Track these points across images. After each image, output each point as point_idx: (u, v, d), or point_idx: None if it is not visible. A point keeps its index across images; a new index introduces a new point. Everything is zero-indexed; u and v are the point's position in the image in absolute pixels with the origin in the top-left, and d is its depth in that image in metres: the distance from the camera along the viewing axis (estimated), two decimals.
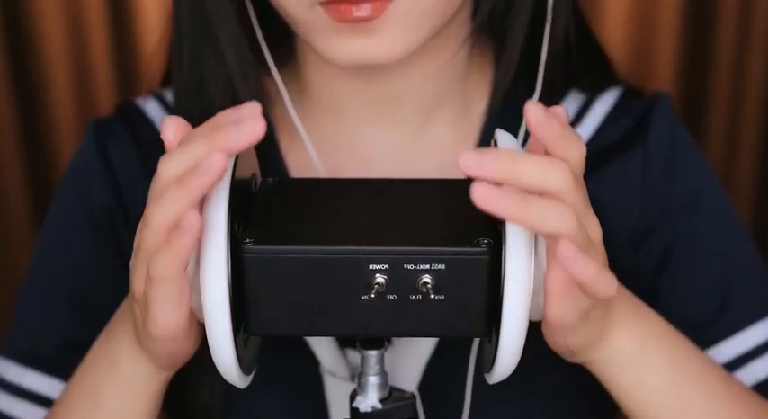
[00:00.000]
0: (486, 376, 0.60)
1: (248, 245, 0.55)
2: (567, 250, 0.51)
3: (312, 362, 0.73)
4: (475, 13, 0.74)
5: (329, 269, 0.55)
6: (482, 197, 0.50)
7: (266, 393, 0.71)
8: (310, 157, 0.75)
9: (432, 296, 0.55)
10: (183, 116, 0.72)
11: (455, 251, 0.55)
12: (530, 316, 0.55)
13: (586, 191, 0.56)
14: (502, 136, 0.59)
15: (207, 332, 0.55)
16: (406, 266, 0.54)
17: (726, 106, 1.46)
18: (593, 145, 0.77)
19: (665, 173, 0.77)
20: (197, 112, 0.73)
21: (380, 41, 0.65)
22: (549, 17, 0.73)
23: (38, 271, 0.79)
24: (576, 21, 0.77)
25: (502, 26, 0.74)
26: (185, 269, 0.54)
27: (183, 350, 0.60)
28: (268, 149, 0.76)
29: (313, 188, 0.65)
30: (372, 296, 0.55)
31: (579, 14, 0.78)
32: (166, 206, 0.53)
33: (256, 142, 0.52)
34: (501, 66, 0.75)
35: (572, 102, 0.79)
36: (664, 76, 1.45)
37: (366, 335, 0.61)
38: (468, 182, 0.66)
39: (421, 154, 0.76)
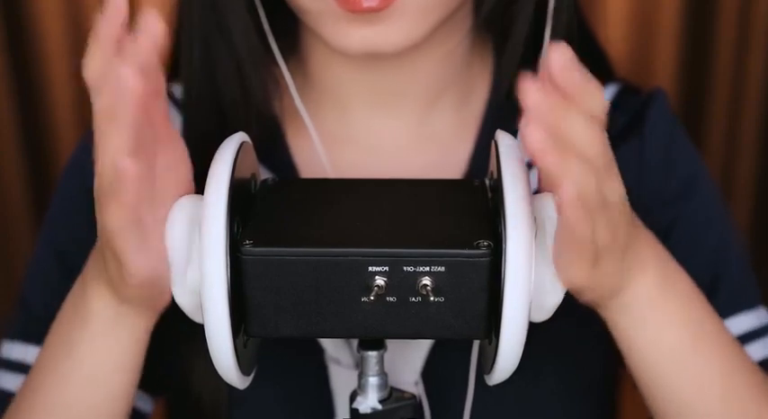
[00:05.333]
0: (486, 377, 0.60)
1: (247, 246, 0.55)
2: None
3: (316, 351, 0.73)
4: (478, 3, 0.74)
5: (329, 271, 0.55)
6: (536, 142, 0.49)
7: (271, 382, 0.72)
8: (315, 147, 0.76)
9: (431, 298, 0.55)
10: (192, 105, 0.73)
11: (455, 253, 0.55)
12: (530, 317, 0.55)
13: (610, 148, 0.55)
14: (503, 137, 0.59)
15: (206, 334, 0.55)
16: (405, 268, 0.54)
17: (726, 106, 1.46)
18: None
19: (661, 164, 0.77)
20: (207, 102, 0.73)
21: (388, 31, 0.66)
22: (551, 6, 0.73)
23: (41, 256, 0.80)
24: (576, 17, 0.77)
25: (504, 16, 0.74)
26: (137, 213, 0.54)
27: (161, 294, 0.60)
28: (273, 139, 0.76)
29: (313, 189, 0.65)
30: (372, 298, 0.55)
31: (578, 11, 0.79)
32: (105, 145, 0.52)
33: (158, 42, 0.52)
34: (505, 56, 0.76)
35: None
36: (664, 76, 1.45)
37: (366, 337, 0.61)
38: (468, 182, 0.66)
39: (423, 142, 0.77)
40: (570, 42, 0.76)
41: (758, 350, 0.78)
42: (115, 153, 0.52)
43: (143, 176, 0.54)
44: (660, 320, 0.63)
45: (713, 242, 0.79)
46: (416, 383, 0.73)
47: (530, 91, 0.49)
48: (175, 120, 0.79)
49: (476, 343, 0.72)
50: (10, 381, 0.78)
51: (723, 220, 0.80)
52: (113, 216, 0.54)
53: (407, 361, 0.73)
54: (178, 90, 0.81)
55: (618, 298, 0.61)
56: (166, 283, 0.59)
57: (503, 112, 0.77)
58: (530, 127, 0.49)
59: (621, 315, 0.63)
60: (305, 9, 0.68)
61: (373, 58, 0.72)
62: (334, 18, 0.66)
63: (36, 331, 0.77)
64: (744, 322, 0.78)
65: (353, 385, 0.64)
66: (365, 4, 0.64)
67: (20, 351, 0.78)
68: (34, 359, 0.76)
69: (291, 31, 0.78)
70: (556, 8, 0.73)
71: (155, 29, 0.52)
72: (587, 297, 0.60)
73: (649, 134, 0.77)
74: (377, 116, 0.77)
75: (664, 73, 1.45)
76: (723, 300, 0.77)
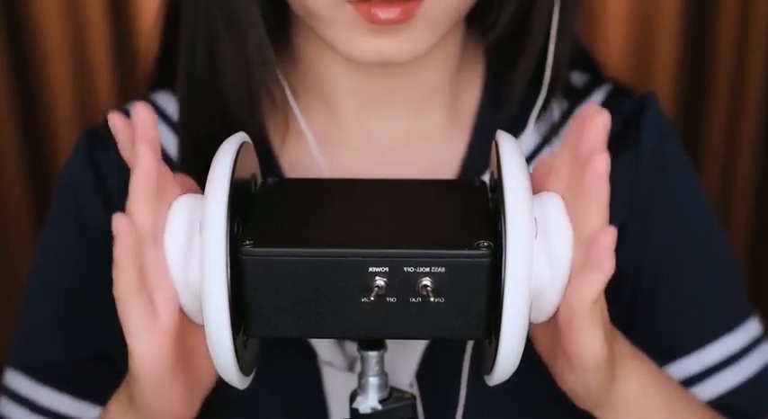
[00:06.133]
0: (486, 378, 0.60)
1: (247, 246, 0.55)
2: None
3: (309, 354, 0.73)
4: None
5: (329, 271, 0.55)
6: (609, 247, 0.54)
7: (264, 385, 0.72)
8: (305, 148, 0.75)
9: (431, 298, 0.55)
10: (193, 107, 0.73)
11: (455, 254, 0.54)
12: (530, 317, 0.55)
13: None
14: (503, 137, 0.59)
15: (206, 334, 0.55)
16: (405, 269, 0.54)
17: (726, 106, 1.46)
18: None
19: (654, 178, 0.77)
20: (209, 104, 0.73)
21: (403, 41, 0.66)
22: (555, 23, 0.73)
23: (35, 288, 0.80)
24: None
25: (497, 21, 0.75)
26: (142, 290, 0.56)
27: (172, 405, 0.60)
28: (264, 140, 0.76)
29: (313, 189, 0.65)
30: (372, 298, 0.55)
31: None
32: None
33: (150, 124, 0.58)
34: (518, 69, 0.76)
35: (560, 101, 0.79)
36: (664, 76, 1.45)
37: (366, 338, 0.61)
38: (468, 182, 0.66)
39: (415, 143, 0.77)
40: (574, 48, 0.77)
41: (745, 368, 0.79)
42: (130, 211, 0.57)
43: (140, 245, 0.56)
44: (642, 415, 0.67)
45: (704, 260, 0.79)
46: (411, 384, 0.73)
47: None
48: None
49: (469, 345, 0.72)
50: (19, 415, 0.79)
51: (715, 236, 0.81)
52: (115, 284, 0.56)
53: (402, 361, 0.73)
54: (164, 99, 0.80)
55: (608, 396, 0.64)
56: (174, 395, 0.60)
57: (495, 113, 0.77)
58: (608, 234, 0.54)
59: (611, 414, 0.65)
60: (317, 14, 0.67)
61: (381, 66, 0.72)
62: (349, 26, 0.66)
63: (38, 366, 0.78)
64: (735, 341, 0.79)
65: (347, 387, 0.64)
66: (383, 16, 0.64)
67: (27, 387, 0.79)
68: (43, 400, 0.78)
69: (281, 30, 0.77)
70: (560, 21, 0.74)
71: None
72: (593, 381, 0.61)
73: (645, 141, 0.77)
74: (369, 117, 0.77)
75: (664, 73, 1.46)
76: (714, 321, 0.79)
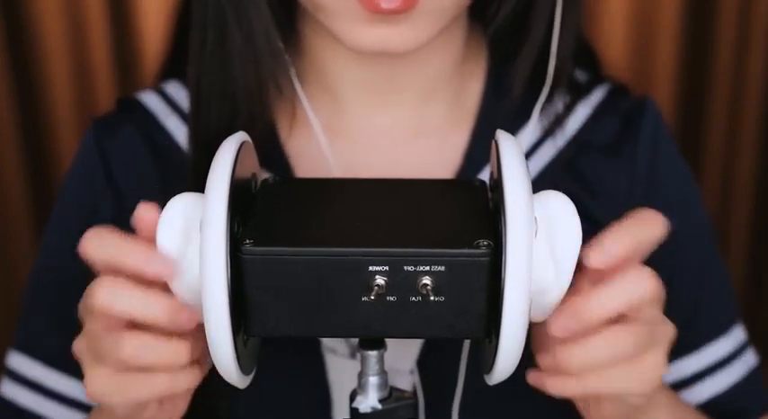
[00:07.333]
0: (486, 377, 0.60)
1: (248, 246, 0.55)
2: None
3: (312, 341, 0.74)
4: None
5: (329, 270, 0.55)
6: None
7: (268, 373, 0.72)
8: (310, 140, 0.76)
9: (431, 297, 0.55)
10: (203, 98, 0.73)
11: (455, 253, 0.54)
12: (530, 317, 0.55)
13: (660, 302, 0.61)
14: (503, 137, 0.59)
15: (207, 333, 0.55)
16: (405, 268, 0.54)
17: (726, 106, 1.46)
18: (580, 138, 0.78)
19: (649, 184, 0.78)
20: (219, 94, 0.73)
21: (406, 31, 0.66)
22: (560, 8, 0.74)
23: (40, 277, 0.80)
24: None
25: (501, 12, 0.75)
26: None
27: None
28: (269, 133, 0.76)
29: (313, 188, 0.65)
30: (372, 297, 0.55)
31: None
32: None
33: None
34: (520, 63, 0.76)
35: (563, 95, 0.79)
36: (664, 76, 1.45)
37: (366, 337, 0.61)
38: (468, 182, 0.66)
39: (419, 135, 0.77)
40: (577, 40, 0.77)
41: (734, 372, 0.80)
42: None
43: None
44: None
45: (697, 270, 0.80)
46: (412, 371, 0.74)
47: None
48: (165, 116, 0.79)
49: (466, 343, 0.72)
50: (25, 397, 0.79)
51: (709, 243, 0.82)
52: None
53: (404, 349, 0.74)
54: (174, 88, 0.81)
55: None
56: None
57: (498, 106, 0.78)
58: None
59: None
60: (321, 5, 0.68)
61: (383, 57, 0.72)
62: (352, 16, 0.66)
63: (43, 351, 0.79)
64: (723, 346, 0.80)
65: (350, 374, 0.64)
66: (385, 6, 0.64)
67: (35, 370, 0.79)
68: (53, 384, 0.78)
69: (289, 21, 0.78)
70: (563, 13, 0.74)
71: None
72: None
73: (642, 148, 0.78)
74: (372, 108, 0.77)
75: (664, 73, 1.45)
76: (702, 327, 0.80)
